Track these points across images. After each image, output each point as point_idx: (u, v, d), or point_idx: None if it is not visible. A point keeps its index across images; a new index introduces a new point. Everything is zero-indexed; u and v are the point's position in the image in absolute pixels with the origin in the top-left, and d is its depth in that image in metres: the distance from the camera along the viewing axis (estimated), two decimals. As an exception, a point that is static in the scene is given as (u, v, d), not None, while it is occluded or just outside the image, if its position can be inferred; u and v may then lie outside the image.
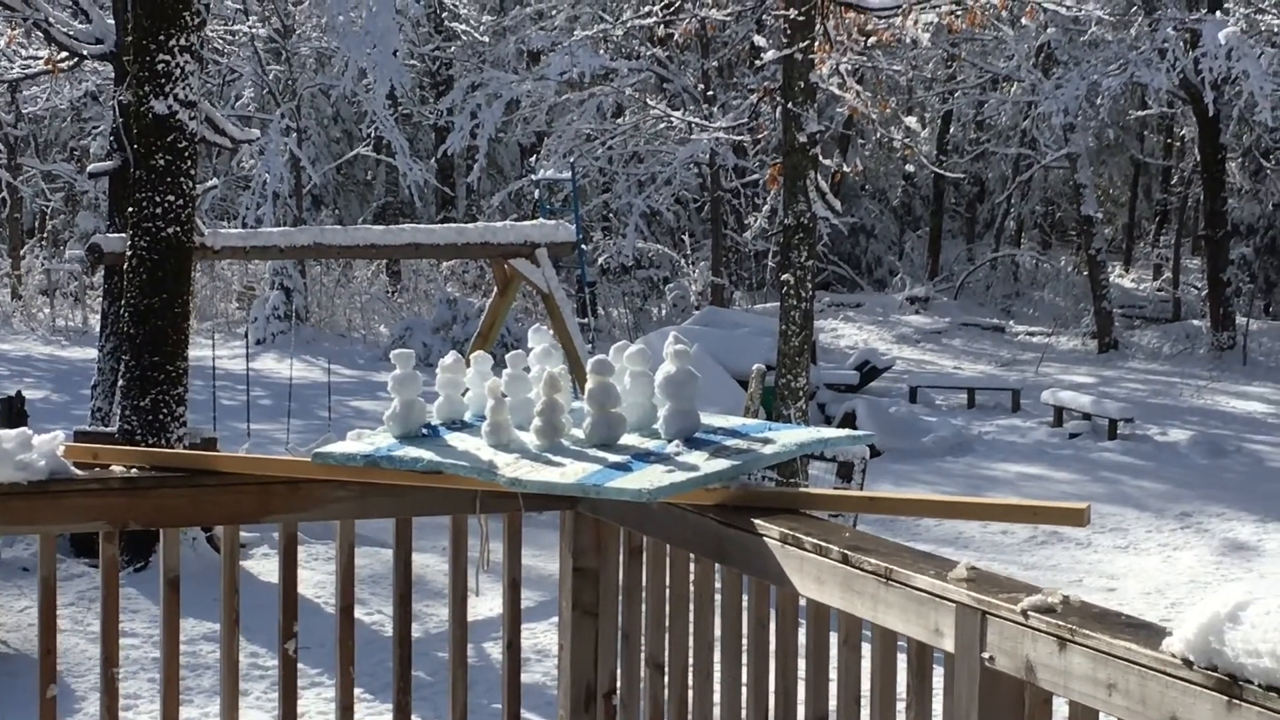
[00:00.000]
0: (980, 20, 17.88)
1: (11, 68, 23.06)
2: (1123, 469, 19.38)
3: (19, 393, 16.00)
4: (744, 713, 4.03)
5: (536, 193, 30.59)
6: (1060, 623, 2.87)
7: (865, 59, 19.46)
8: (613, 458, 3.94)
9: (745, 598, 4.02)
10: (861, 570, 3.44)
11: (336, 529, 4.49)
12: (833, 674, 3.74)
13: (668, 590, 4.29)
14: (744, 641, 4.04)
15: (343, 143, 41.28)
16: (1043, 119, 35.39)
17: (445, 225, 25.68)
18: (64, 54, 17.24)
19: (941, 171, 37.65)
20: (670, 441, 4.01)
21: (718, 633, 4.13)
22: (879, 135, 30.32)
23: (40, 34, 17.19)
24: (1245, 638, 2.44)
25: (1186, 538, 15.35)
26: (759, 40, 20.36)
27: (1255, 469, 19.78)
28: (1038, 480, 18.51)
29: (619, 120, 35.11)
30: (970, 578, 3.19)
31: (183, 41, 12.03)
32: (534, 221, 17.67)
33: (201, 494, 4.31)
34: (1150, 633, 2.76)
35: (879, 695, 3.54)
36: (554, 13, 36.17)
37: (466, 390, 4.49)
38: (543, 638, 10.29)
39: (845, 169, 22.86)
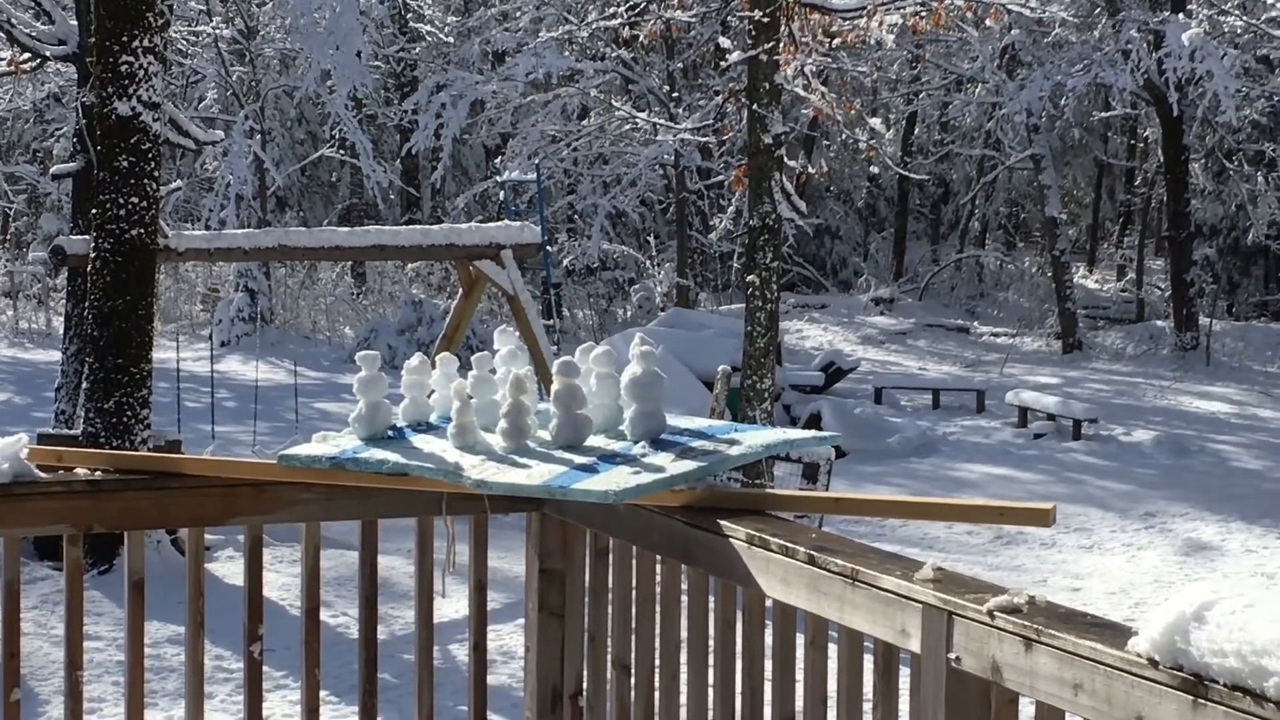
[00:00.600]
0: (945, 21, 17.91)
1: (-27, 69, 22.93)
2: (1087, 469, 19.44)
3: (-18, 395, 15.93)
4: (710, 714, 4.03)
5: (501, 194, 30.58)
6: (1026, 623, 2.88)
7: (830, 60, 19.50)
8: (579, 459, 3.94)
9: (711, 599, 4.02)
10: (828, 571, 3.44)
11: (302, 531, 4.48)
12: (799, 675, 3.74)
13: (634, 591, 4.29)
14: (710, 643, 4.04)
15: (307, 144, 41.18)
16: (1007, 120, 35.52)
17: (410, 227, 25.61)
18: (26, 55, 17.15)
19: (906, 173, 37.73)
20: (636, 443, 4.01)
21: (684, 634, 4.13)
22: (844, 136, 30.38)
23: (2, 35, 17.10)
24: (1211, 637, 2.44)
25: (1150, 538, 15.41)
26: (724, 41, 20.38)
27: (1218, 469, 19.86)
28: (1003, 481, 18.55)
29: (584, 121, 35.09)
30: (936, 578, 3.19)
31: (146, 43, 11.98)
32: (499, 223, 17.64)
33: (167, 496, 4.29)
34: (1116, 633, 2.76)
35: (845, 696, 3.54)
36: (519, 14, 36.15)
37: (432, 392, 4.49)
38: (509, 639, 10.27)
39: (810, 170, 22.84)
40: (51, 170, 20.58)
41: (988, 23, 25.11)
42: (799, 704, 3.74)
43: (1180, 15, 29.96)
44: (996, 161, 40.46)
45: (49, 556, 11.89)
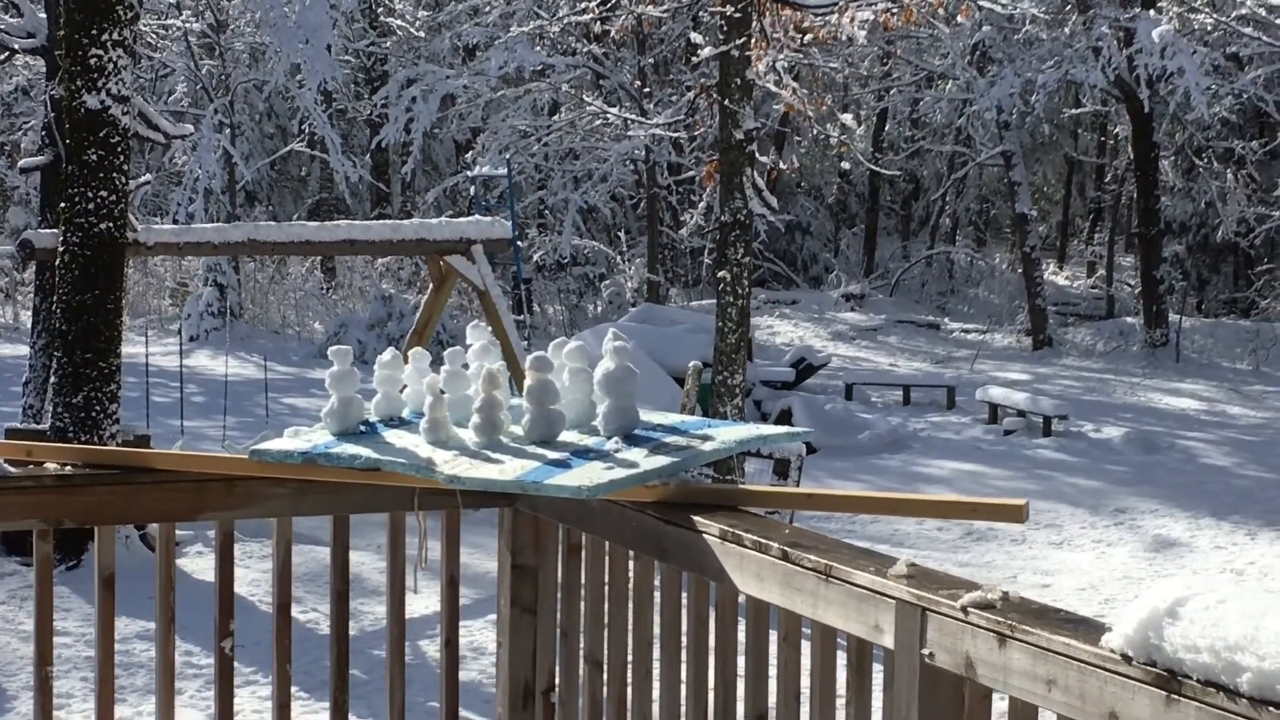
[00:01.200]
0: (916, 18, 17.92)
1: (-59, 62, 22.84)
2: (1057, 465, 19.48)
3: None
4: (683, 710, 4.02)
5: (472, 189, 30.50)
6: (1000, 619, 2.88)
7: (801, 56, 19.47)
8: (552, 455, 3.93)
9: (685, 595, 4.01)
10: (801, 567, 3.43)
11: (273, 526, 4.46)
12: (772, 671, 3.74)
13: (607, 587, 4.28)
14: (683, 639, 4.03)
15: (276, 139, 41.09)
16: (977, 117, 35.62)
17: (380, 222, 25.58)
18: (-6, 48, 17.09)
19: (877, 169, 37.83)
20: (610, 438, 4.00)
21: (657, 630, 4.12)
22: (815, 132, 30.48)
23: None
24: (1184, 633, 2.44)
25: (1120, 534, 15.45)
26: (695, 37, 20.39)
27: (1188, 465, 19.92)
28: (973, 477, 18.58)
29: (555, 117, 35.07)
30: (910, 574, 3.19)
31: (115, 36, 11.93)
32: (469, 218, 17.61)
33: (137, 491, 4.27)
34: (1089, 629, 2.76)
35: (819, 692, 3.54)
36: (489, 8, 36.09)
37: (404, 387, 4.48)
38: (480, 635, 10.26)
39: (781, 166, 22.89)
40: (20, 164, 20.47)
41: (959, 19, 25.11)
42: (772, 700, 3.74)
43: (1151, 12, 30.03)
44: (967, 158, 40.56)
45: (17, 552, 11.85)
